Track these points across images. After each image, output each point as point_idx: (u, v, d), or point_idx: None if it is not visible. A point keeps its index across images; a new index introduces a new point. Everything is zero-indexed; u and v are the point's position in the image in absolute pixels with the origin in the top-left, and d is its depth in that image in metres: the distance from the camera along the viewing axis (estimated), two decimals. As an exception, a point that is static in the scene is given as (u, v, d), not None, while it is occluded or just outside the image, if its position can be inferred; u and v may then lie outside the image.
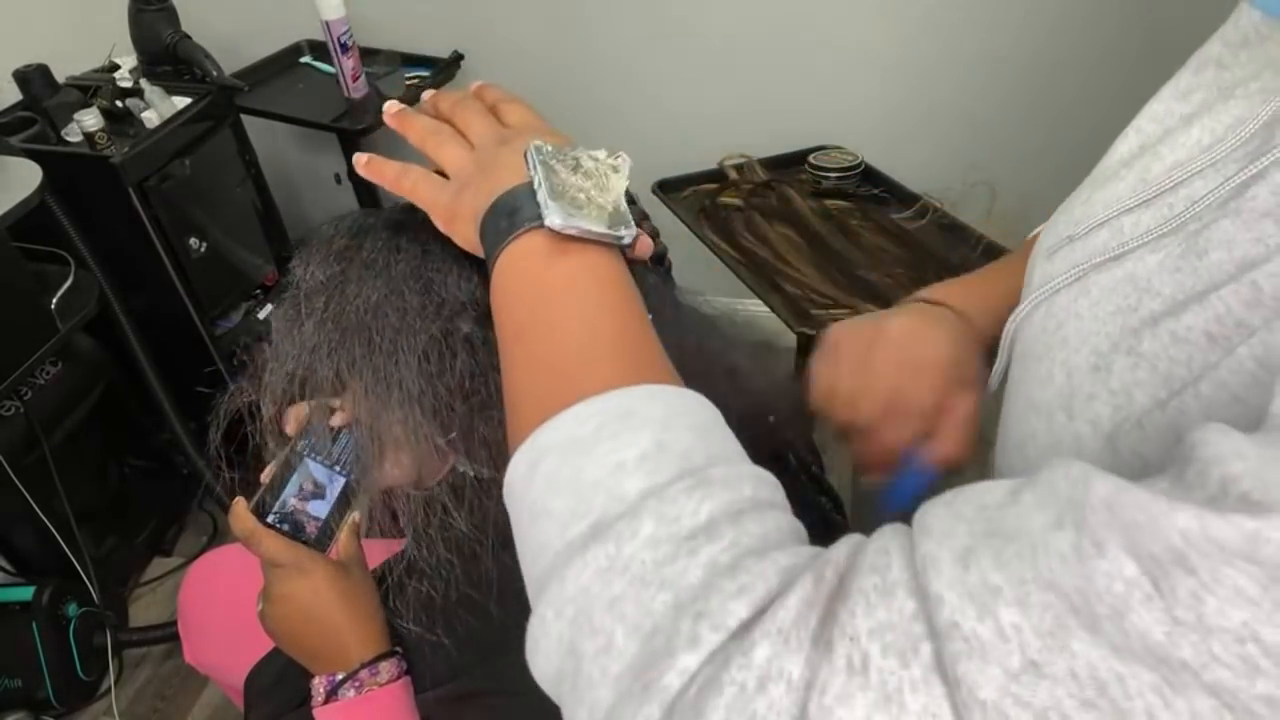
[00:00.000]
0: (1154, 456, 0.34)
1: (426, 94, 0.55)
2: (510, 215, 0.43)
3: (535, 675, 0.33)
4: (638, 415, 0.35)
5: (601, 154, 0.47)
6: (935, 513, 0.28)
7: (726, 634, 0.27)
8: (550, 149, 0.45)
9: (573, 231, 0.41)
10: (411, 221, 0.54)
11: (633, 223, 0.44)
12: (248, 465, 0.58)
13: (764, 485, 0.34)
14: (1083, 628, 0.23)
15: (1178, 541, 0.22)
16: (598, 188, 0.45)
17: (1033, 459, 0.43)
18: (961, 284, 0.63)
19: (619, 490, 0.32)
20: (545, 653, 0.32)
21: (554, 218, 0.41)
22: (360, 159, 0.52)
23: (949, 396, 0.56)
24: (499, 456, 0.56)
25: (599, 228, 0.42)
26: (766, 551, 0.30)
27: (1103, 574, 0.23)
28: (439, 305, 0.51)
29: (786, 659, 0.26)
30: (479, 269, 0.52)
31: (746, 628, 0.27)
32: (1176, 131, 0.42)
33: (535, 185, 0.42)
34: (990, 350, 0.56)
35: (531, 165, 0.44)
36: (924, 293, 0.62)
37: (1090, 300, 0.40)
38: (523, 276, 0.42)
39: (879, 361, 0.57)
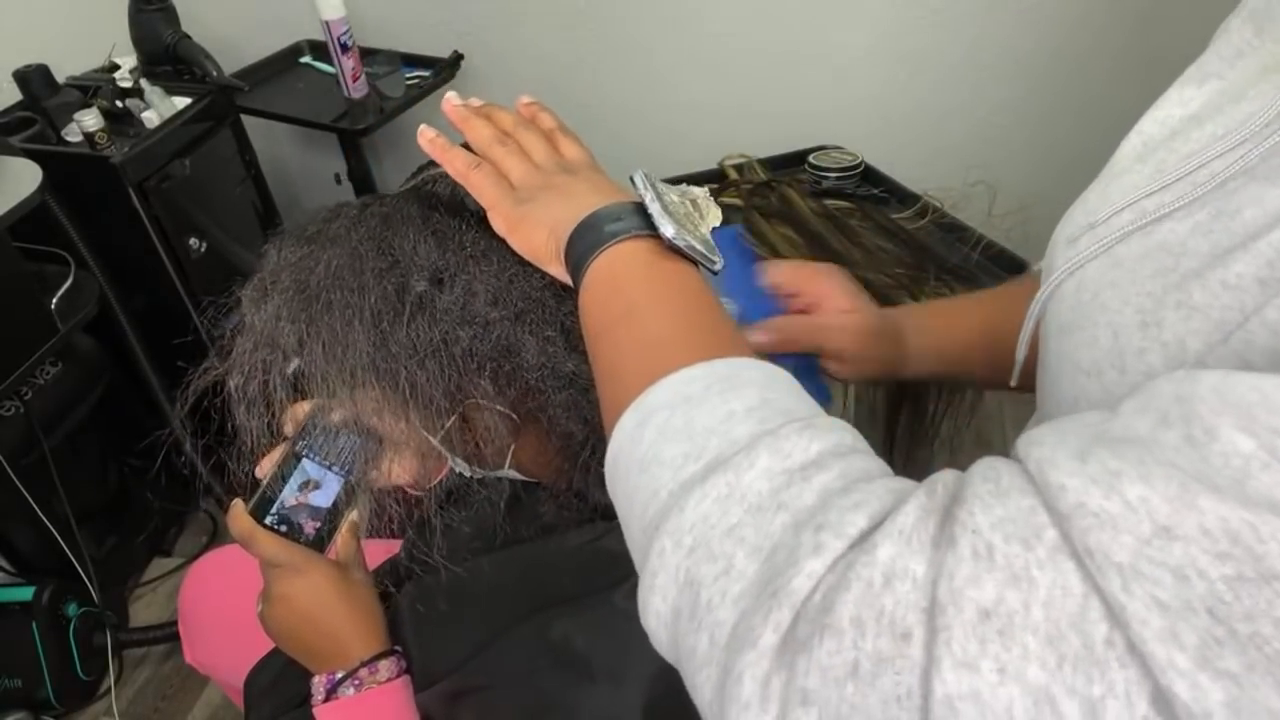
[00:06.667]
0: None
1: (474, 102, 0.59)
2: (613, 222, 0.47)
3: (649, 623, 0.34)
4: (741, 377, 0.38)
5: (698, 190, 0.53)
6: (1039, 433, 0.30)
7: (848, 541, 0.29)
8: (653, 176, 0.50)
9: (680, 245, 0.46)
10: (376, 200, 0.56)
11: (720, 255, 0.49)
12: (224, 444, 0.58)
13: (859, 438, 0.36)
14: (1207, 491, 0.24)
15: None
16: (698, 215, 0.51)
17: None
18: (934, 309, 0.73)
19: (732, 434, 0.34)
20: (662, 589, 0.32)
21: (668, 228, 0.46)
22: (427, 132, 0.56)
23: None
24: (485, 445, 0.56)
25: (701, 248, 0.47)
26: (874, 479, 0.32)
27: (1218, 454, 0.24)
28: (393, 264, 0.53)
29: (910, 558, 0.27)
30: (437, 236, 0.54)
31: (866, 535, 0.29)
32: (1186, 130, 0.43)
33: (648, 201, 0.47)
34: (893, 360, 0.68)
35: (643, 185, 0.49)
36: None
37: (1124, 270, 0.41)
38: (629, 268, 0.46)
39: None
